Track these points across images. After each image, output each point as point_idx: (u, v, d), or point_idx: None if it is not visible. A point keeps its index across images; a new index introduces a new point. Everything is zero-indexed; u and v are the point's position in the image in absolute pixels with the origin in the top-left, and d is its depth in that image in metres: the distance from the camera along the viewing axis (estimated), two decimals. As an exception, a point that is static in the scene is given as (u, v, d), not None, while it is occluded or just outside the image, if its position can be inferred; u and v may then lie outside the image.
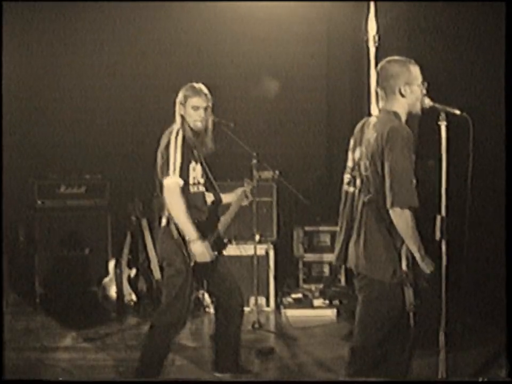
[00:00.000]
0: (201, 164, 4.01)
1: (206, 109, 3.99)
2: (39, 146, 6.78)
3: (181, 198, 3.79)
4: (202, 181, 4.01)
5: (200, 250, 3.82)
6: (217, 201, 4.11)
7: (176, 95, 4.02)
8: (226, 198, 4.25)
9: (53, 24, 6.68)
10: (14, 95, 5.98)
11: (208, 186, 4.08)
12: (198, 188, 3.97)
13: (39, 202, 6.36)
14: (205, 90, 4.02)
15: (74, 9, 6.56)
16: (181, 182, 3.80)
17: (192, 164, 3.91)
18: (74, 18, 6.68)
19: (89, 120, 6.81)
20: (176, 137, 3.85)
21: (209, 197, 4.08)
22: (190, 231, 3.81)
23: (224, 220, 4.11)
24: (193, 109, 3.96)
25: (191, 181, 3.91)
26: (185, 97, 3.97)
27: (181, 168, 3.80)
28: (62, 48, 6.75)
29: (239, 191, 4.35)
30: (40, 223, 6.32)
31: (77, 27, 6.73)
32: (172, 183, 3.79)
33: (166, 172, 3.79)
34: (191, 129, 3.94)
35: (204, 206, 4.00)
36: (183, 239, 3.84)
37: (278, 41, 6.79)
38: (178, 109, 3.99)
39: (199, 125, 3.97)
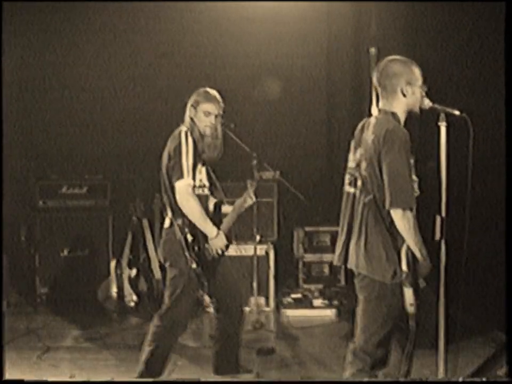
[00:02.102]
0: (206, 167, 4.03)
1: (216, 116, 4.03)
2: (41, 147, 6.79)
3: (196, 198, 3.83)
4: (207, 183, 4.03)
5: (224, 243, 3.94)
6: (220, 203, 4.12)
7: (188, 98, 4.05)
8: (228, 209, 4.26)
9: (53, 24, 6.69)
10: (15, 95, 5.99)
11: (213, 189, 4.10)
12: (203, 191, 3.99)
13: (40, 202, 6.37)
14: (219, 97, 4.07)
15: (74, 9, 6.57)
16: (192, 183, 3.83)
17: (199, 167, 3.94)
18: (74, 19, 6.69)
19: (91, 121, 6.83)
20: (186, 140, 3.86)
21: (213, 199, 4.10)
22: (210, 229, 3.89)
23: (226, 222, 4.11)
24: (204, 114, 4.00)
25: (197, 184, 3.93)
26: (197, 102, 4.01)
27: (193, 170, 3.83)
28: (62, 49, 6.76)
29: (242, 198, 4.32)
30: (41, 223, 6.33)
31: (77, 27, 6.74)
32: (185, 185, 3.80)
33: (179, 175, 3.80)
34: (199, 132, 3.97)
35: (208, 209, 4.01)
36: (186, 240, 3.86)
37: (278, 41, 6.79)
38: (188, 112, 4.01)
39: (208, 130, 4.01)
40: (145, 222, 5.95)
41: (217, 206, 4.11)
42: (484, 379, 4.01)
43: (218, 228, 4.00)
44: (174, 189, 3.85)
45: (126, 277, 5.96)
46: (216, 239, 3.90)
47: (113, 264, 6.00)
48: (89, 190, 6.49)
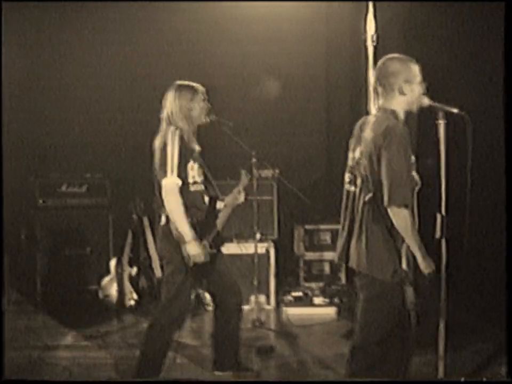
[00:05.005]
0: (199, 162, 4.02)
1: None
2: (40, 145, 6.79)
3: (179, 198, 3.80)
4: (200, 179, 4.01)
5: (196, 251, 3.82)
6: (215, 198, 4.13)
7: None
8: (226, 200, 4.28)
9: (53, 24, 6.69)
10: (14, 95, 5.99)
11: (207, 184, 4.09)
12: (197, 187, 3.98)
13: (40, 201, 6.38)
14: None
15: (74, 9, 6.57)
16: (179, 182, 3.81)
17: (190, 163, 3.92)
18: (74, 18, 6.69)
19: (90, 119, 6.83)
20: (173, 138, 3.84)
21: (208, 195, 4.10)
22: (186, 232, 3.81)
23: (220, 219, 4.12)
24: (201, 104, 4.01)
25: (190, 180, 3.92)
26: (193, 96, 3.99)
27: (179, 168, 3.81)
28: (62, 48, 6.76)
29: (235, 190, 4.38)
30: (41, 222, 6.34)
31: (77, 27, 6.74)
32: (170, 183, 3.79)
33: (164, 173, 3.80)
34: (190, 128, 3.95)
35: (203, 205, 4.01)
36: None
37: (277, 41, 6.79)
38: (179, 110, 3.95)
39: (206, 117, 4.04)
40: (145, 220, 5.95)
41: (212, 202, 4.10)
42: (484, 379, 4.01)
43: (214, 225, 4.01)
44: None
45: (127, 276, 5.97)
46: (189, 244, 3.81)
47: (113, 262, 6.01)
48: (89, 189, 6.49)
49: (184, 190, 3.85)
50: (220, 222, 4.08)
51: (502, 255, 3.94)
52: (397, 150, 3.07)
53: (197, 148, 4.01)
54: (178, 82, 4.06)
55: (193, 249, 3.82)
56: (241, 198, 4.36)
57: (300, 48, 6.88)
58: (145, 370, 3.98)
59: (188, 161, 3.90)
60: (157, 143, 3.93)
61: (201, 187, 4.03)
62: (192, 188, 3.93)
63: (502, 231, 3.93)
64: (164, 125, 3.97)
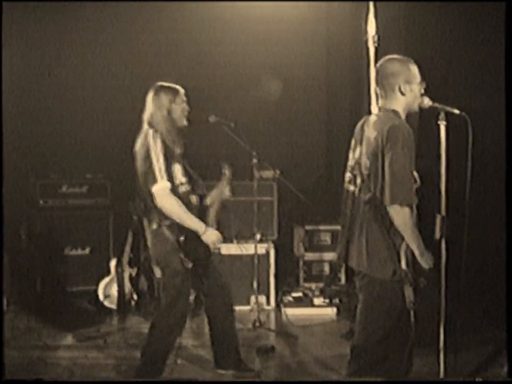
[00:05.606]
0: (181, 163, 3.96)
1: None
2: (41, 145, 6.78)
3: (175, 199, 3.78)
4: (184, 180, 3.96)
5: (214, 238, 3.88)
6: (202, 196, 4.09)
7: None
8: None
9: (53, 24, 6.68)
10: (14, 95, 5.98)
11: (193, 183, 4.04)
12: (184, 188, 3.94)
13: (41, 201, 6.38)
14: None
15: (74, 9, 6.57)
16: (169, 185, 3.78)
17: (174, 165, 3.87)
18: (74, 18, 6.69)
19: (91, 119, 6.81)
20: (155, 142, 3.80)
21: (195, 194, 4.05)
22: (197, 225, 3.84)
23: (211, 215, 4.10)
24: (181, 106, 3.99)
25: (177, 182, 3.88)
26: (173, 98, 3.96)
27: (166, 171, 3.77)
28: (62, 48, 6.75)
29: (219, 184, 4.29)
30: (42, 222, 6.34)
31: (78, 27, 6.73)
32: (161, 188, 3.76)
33: (153, 179, 3.75)
34: (169, 130, 3.90)
35: (192, 205, 3.97)
36: (179, 241, 3.83)
37: (278, 41, 6.79)
38: (159, 112, 3.94)
39: (185, 120, 3.99)
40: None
41: (200, 200, 4.07)
42: (484, 379, 4.01)
43: (206, 224, 3.97)
44: (152, 194, 3.79)
45: (127, 276, 5.96)
46: (207, 233, 3.85)
47: (113, 263, 6.00)
48: (90, 189, 6.50)
49: (173, 193, 3.81)
50: (210, 219, 4.06)
51: (502, 255, 3.95)
52: (401, 149, 3.07)
53: (179, 150, 3.94)
54: (159, 83, 4.03)
55: (212, 236, 3.87)
56: (227, 192, 4.26)
57: (300, 48, 6.89)
58: (146, 372, 3.98)
59: (172, 164, 3.85)
60: (138, 146, 3.89)
61: (188, 187, 3.98)
62: (180, 190, 3.89)
63: (502, 231, 3.94)
64: (144, 127, 3.94)
